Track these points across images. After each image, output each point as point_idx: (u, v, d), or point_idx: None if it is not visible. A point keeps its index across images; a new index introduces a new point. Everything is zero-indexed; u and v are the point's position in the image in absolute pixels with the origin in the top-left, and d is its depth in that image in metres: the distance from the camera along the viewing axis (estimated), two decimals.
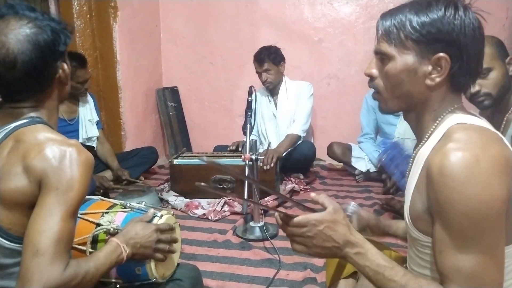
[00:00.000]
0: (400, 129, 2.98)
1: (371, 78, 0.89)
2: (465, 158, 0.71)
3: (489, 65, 1.50)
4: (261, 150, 2.89)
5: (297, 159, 3.14)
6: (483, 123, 0.82)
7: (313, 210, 0.86)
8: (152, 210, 1.20)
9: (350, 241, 0.83)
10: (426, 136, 0.85)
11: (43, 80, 0.97)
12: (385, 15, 0.86)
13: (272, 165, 2.68)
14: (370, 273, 0.82)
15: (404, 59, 0.82)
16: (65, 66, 1.00)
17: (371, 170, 3.20)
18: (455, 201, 0.72)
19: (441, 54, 0.79)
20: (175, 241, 1.20)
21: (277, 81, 3.12)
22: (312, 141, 3.51)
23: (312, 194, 0.87)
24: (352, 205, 1.20)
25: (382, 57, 0.85)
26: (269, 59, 3.02)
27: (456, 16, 0.78)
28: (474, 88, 1.55)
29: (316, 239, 0.82)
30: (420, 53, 0.81)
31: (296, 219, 0.83)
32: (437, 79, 0.81)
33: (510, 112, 1.56)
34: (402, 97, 0.86)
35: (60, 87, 1.02)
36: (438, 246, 0.76)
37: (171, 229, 1.19)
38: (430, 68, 0.81)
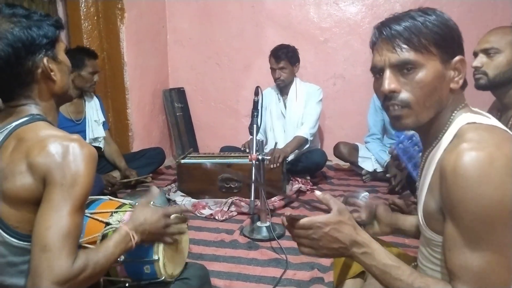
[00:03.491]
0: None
1: (392, 95, 0.82)
2: (479, 158, 0.72)
3: (501, 48, 1.50)
4: (267, 150, 2.89)
5: (308, 167, 3.15)
6: (492, 121, 0.82)
7: (320, 210, 0.86)
8: (155, 188, 1.18)
9: (357, 241, 0.84)
10: (439, 137, 0.86)
11: (21, 75, 0.94)
12: (387, 24, 0.83)
13: (278, 164, 2.68)
14: (377, 272, 0.83)
15: (433, 66, 0.81)
16: (45, 60, 0.96)
17: (377, 170, 3.19)
18: (467, 200, 0.72)
19: (460, 56, 0.82)
20: (183, 227, 1.19)
21: (289, 81, 3.11)
22: (319, 145, 3.49)
23: (317, 193, 0.87)
24: (363, 196, 1.19)
25: (403, 68, 0.81)
26: (286, 57, 3.00)
27: (450, 19, 0.83)
28: (476, 63, 1.56)
29: (323, 241, 0.83)
30: (442, 57, 0.81)
31: (301, 221, 0.84)
32: (461, 81, 0.83)
33: None
34: (434, 105, 0.83)
35: (48, 83, 0.99)
36: (448, 244, 0.77)
37: (184, 211, 1.19)
38: (452, 72, 0.83)
